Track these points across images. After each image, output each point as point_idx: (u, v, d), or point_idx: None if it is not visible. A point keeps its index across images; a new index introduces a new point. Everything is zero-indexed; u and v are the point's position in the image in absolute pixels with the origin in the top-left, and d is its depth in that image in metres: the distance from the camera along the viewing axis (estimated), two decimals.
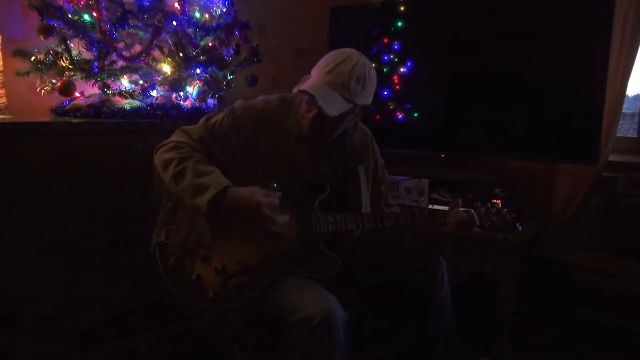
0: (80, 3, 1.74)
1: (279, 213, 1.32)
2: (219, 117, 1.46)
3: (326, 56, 1.40)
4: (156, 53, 1.86)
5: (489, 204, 1.49)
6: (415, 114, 2.44)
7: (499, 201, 1.50)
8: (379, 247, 1.60)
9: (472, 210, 1.47)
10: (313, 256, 1.40)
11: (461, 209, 1.49)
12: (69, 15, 1.71)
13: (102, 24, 1.71)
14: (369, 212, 1.52)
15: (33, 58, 1.73)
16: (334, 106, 1.33)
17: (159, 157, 1.42)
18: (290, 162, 1.44)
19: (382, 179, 1.64)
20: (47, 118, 1.79)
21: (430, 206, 2.20)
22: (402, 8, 2.42)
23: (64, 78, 1.75)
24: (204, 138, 1.43)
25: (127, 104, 1.79)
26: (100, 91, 1.79)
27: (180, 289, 1.37)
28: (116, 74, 1.81)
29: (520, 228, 1.48)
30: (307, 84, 1.35)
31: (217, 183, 1.31)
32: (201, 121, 1.47)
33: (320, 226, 1.40)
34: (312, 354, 1.23)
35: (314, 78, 1.37)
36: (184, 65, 1.86)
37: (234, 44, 2.04)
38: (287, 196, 1.40)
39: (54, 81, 1.77)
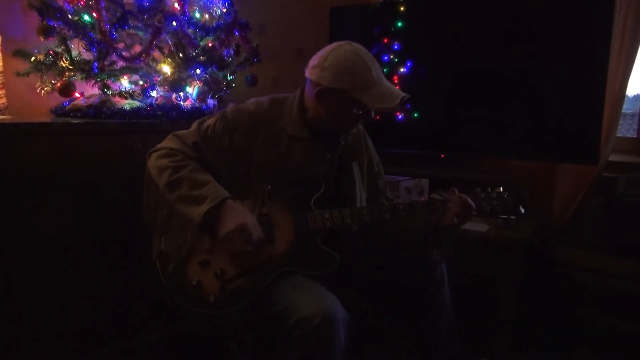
0: (80, 3, 1.74)
1: (262, 236, 1.35)
2: (211, 121, 1.46)
3: (345, 70, 1.35)
4: (156, 53, 1.86)
5: (489, 189, 1.46)
6: (415, 114, 2.43)
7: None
8: (378, 243, 1.60)
9: (468, 198, 1.43)
10: (312, 254, 1.40)
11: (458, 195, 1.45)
12: (69, 16, 1.71)
13: (102, 25, 1.70)
14: (365, 206, 1.51)
15: (33, 58, 1.73)
16: None
17: (153, 163, 1.42)
18: (284, 162, 1.44)
19: (378, 174, 1.65)
20: (47, 118, 1.79)
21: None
22: (402, 8, 2.42)
23: (64, 78, 1.75)
24: (198, 143, 1.43)
25: (127, 104, 1.79)
26: (100, 92, 1.79)
27: (182, 296, 1.38)
28: (116, 75, 1.81)
29: (523, 211, 1.44)
30: (379, 99, 1.36)
31: (214, 195, 1.32)
32: (194, 126, 1.47)
33: (317, 224, 1.40)
34: (312, 355, 1.23)
35: (377, 89, 1.36)
36: (184, 66, 1.86)
37: (234, 44, 2.04)
38: (282, 196, 1.41)
39: (53, 82, 1.77)
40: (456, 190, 1.45)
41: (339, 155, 1.53)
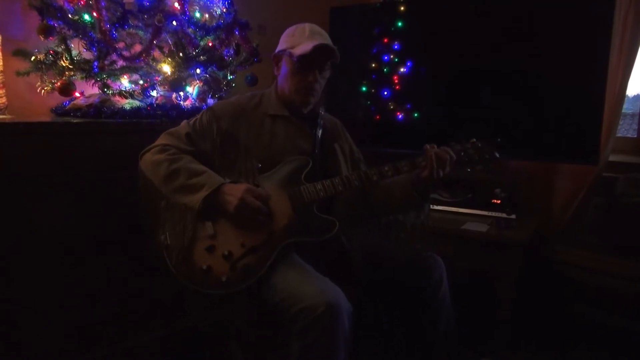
0: (80, 3, 1.74)
1: (266, 201, 1.42)
2: (198, 116, 1.57)
3: (287, 33, 1.56)
4: (156, 53, 1.86)
5: (463, 141, 1.54)
6: (415, 114, 2.44)
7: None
8: (370, 212, 1.65)
9: (444, 147, 1.49)
10: (311, 222, 1.44)
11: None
12: (69, 15, 1.71)
13: (102, 24, 1.71)
14: (353, 172, 1.55)
15: (33, 58, 1.73)
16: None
17: (147, 160, 1.48)
18: (269, 141, 1.53)
19: (359, 159, 1.73)
20: (47, 118, 1.79)
21: (430, 206, 2.19)
22: (402, 8, 2.42)
23: (64, 78, 1.75)
24: (190, 134, 1.52)
25: (127, 104, 1.79)
26: (100, 91, 1.79)
27: (193, 281, 1.39)
28: (116, 74, 1.81)
29: (498, 155, 1.51)
30: (300, 48, 1.47)
31: (211, 182, 1.40)
32: (183, 123, 1.57)
33: (311, 195, 1.45)
34: (315, 344, 1.23)
35: (307, 42, 1.48)
36: (184, 65, 1.86)
37: (234, 44, 2.04)
38: (273, 177, 1.49)
39: (54, 81, 1.76)
40: (429, 146, 1.49)
41: (321, 136, 1.60)
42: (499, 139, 1.52)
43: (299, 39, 1.51)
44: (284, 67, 1.56)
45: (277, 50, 1.57)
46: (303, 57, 1.47)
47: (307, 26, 1.55)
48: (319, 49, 1.46)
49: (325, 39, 1.53)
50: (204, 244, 1.41)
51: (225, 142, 1.51)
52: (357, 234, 1.61)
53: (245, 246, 1.39)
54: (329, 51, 1.50)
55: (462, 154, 1.51)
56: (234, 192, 1.39)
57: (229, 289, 1.36)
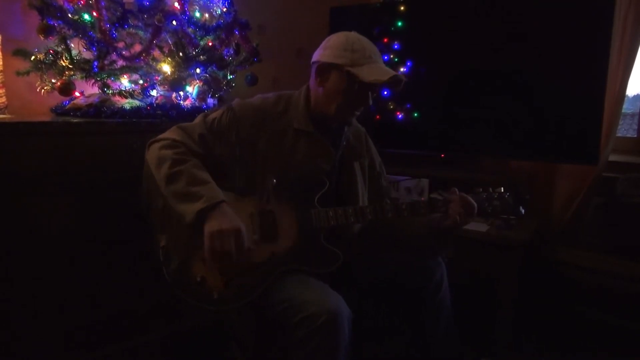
0: (80, 3, 1.74)
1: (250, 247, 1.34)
2: (216, 114, 1.45)
3: (339, 46, 1.39)
4: (156, 53, 1.86)
5: (490, 189, 1.47)
6: (415, 114, 2.44)
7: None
8: (380, 243, 1.60)
9: (470, 198, 1.42)
10: (315, 252, 1.40)
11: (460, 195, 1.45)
12: (69, 15, 1.71)
13: (102, 24, 1.70)
14: (368, 204, 1.51)
15: (33, 58, 1.73)
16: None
17: (153, 153, 1.39)
18: (289, 156, 1.44)
19: (380, 174, 1.66)
20: (47, 118, 1.79)
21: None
22: (402, 8, 2.42)
23: (64, 78, 1.75)
24: (204, 136, 1.41)
25: (127, 103, 1.79)
26: (100, 91, 1.79)
27: (185, 292, 1.37)
28: (116, 74, 1.80)
29: (523, 211, 1.44)
30: (373, 73, 1.36)
31: (210, 196, 1.29)
32: (198, 119, 1.46)
33: (321, 221, 1.40)
34: (317, 352, 1.23)
35: (372, 66, 1.38)
36: (184, 65, 1.86)
37: (234, 43, 2.04)
38: (286, 193, 1.42)
39: (54, 81, 1.76)
40: (457, 190, 1.44)
41: (341, 154, 1.54)
42: (527, 196, 1.46)
43: (360, 57, 1.38)
44: (334, 83, 1.41)
45: (326, 60, 1.40)
46: (371, 84, 1.37)
47: (365, 41, 1.41)
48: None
49: (382, 59, 1.43)
50: (202, 254, 1.35)
51: (243, 151, 1.42)
52: (360, 250, 1.59)
53: (243, 264, 1.35)
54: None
55: (487, 204, 1.44)
56: (227, 218, 1.27)
57: (219, 307, 1.34)
